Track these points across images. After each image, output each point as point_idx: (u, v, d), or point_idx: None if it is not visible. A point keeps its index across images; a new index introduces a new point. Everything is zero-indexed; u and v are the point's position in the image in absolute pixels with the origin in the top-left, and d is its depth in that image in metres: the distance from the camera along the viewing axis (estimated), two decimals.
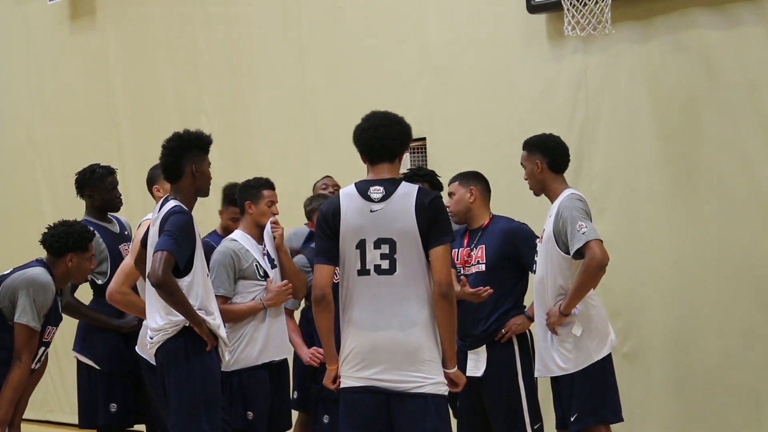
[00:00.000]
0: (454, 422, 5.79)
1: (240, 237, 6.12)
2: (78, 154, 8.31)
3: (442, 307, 4.63)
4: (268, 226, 6.14)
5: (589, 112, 6.88)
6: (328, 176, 7.04)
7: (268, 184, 6.20)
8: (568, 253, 5.48)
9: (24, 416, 5.93)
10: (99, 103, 9.52)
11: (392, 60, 7.82)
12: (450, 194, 6.01)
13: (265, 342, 6.02)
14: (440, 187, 6.20)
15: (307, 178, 7.37)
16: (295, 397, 6.50)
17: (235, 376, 5.94)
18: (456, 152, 7.31)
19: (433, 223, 4.66)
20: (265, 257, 6.11)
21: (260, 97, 8.55)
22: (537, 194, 5.79)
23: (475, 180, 6.02)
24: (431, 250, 4.64)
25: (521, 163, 5.81)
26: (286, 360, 6.21)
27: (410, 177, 6.03)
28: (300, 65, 8.33)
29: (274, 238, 6.13)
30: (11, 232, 9.98)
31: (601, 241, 5.45)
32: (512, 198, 6.41)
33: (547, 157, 5.70)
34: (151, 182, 6.45)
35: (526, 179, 5.78)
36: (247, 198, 6.16)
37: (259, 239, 6.14)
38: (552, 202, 5.67)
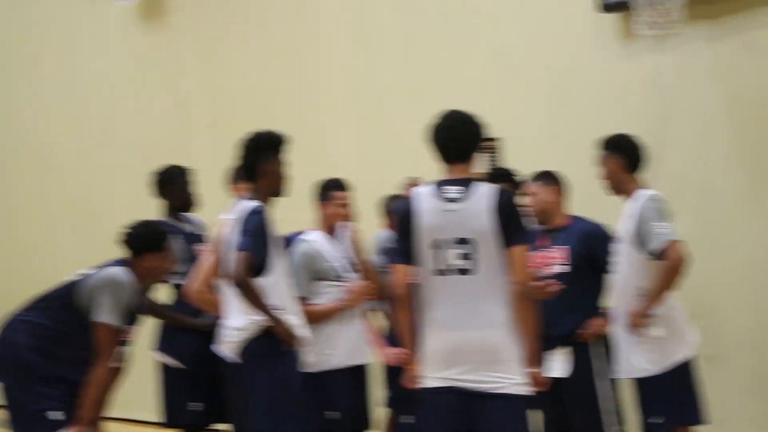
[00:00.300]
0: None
1: (316, 237, 6.12)
2: (152, 154, 8.36)
3: (524, 306, 4.60)
4: (346, 229, 6.13)
5: (663, 112, 6.83)
6: (414, 178, 6.95)
7: (340, 186, 6.20)
8: (647, 253, 5.43)
9: (105, 415, 5.95)
10: (172, 102, 9.57)
11: (464, 60, 7.79)
12: (530, 194, 5.99)
13: (348, 345, 6.01)
14: (519, 187, 6.19)
15: (381, 179, 7.36)
16: (387, 395, 6.48)
17: (318, 377, 5.87)
18: (529, 152, 7.27)
19: (510, 222, 4.61)
20: (342, 258, 6.11)
21: (332, 97, 8.54)
22: (613, 194, 5.75)
23: (554, 180, 6.01)
24: (509, 250, 4.59)
25: (598, 163, 5.77)
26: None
27: (489, 177, 6.01)
28: (371, 66, 8.33)
29: (352, 241, 6.12)
30: (88, 232, 10.05)
31: (681, 241, 5.40)
32: (587, 198, 6.37)
33: (625, 157, 5.66)
34: (231, 181, 6.50)
35: (603, 179, 5.74)
36: (320, 198, 6.18)
37: (334, 239, 6.14)
38: (628, 202, 5.63)
